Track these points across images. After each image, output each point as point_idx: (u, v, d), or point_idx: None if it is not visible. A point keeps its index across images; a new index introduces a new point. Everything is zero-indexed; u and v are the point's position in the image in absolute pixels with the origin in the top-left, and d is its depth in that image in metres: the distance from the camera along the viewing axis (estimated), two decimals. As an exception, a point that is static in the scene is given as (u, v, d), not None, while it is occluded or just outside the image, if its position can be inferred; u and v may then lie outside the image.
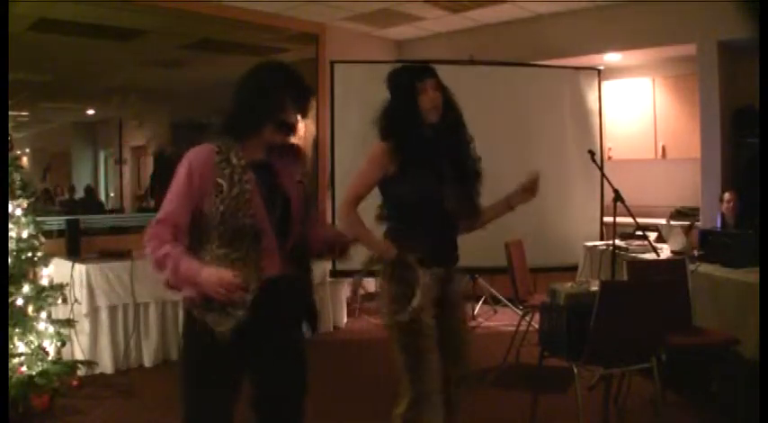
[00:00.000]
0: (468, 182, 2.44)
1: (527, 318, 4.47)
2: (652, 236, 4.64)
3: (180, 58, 5.80)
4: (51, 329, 3.71)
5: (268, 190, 1.97)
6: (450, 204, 2.40)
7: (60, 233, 4.70)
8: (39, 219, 3.87)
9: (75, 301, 4.20)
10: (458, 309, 2.53)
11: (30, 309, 3.61)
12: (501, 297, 6.10)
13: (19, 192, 3.72)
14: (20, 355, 3.53)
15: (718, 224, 4.98)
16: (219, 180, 1.90)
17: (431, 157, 2.36)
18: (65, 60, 5.10)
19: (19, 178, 3.74)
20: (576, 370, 3.04)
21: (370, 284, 6.21)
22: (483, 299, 6.23)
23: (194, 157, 1.93)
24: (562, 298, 3.14)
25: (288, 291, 2.03)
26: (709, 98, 5.49)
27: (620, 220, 4.11)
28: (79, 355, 4.17)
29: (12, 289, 3.52)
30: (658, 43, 5.77)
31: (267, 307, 1.95)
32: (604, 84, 6.20)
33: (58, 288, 3.80)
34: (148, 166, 5.74)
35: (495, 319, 5.98)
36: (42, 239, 3.86)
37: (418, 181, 2.34)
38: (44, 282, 3.81)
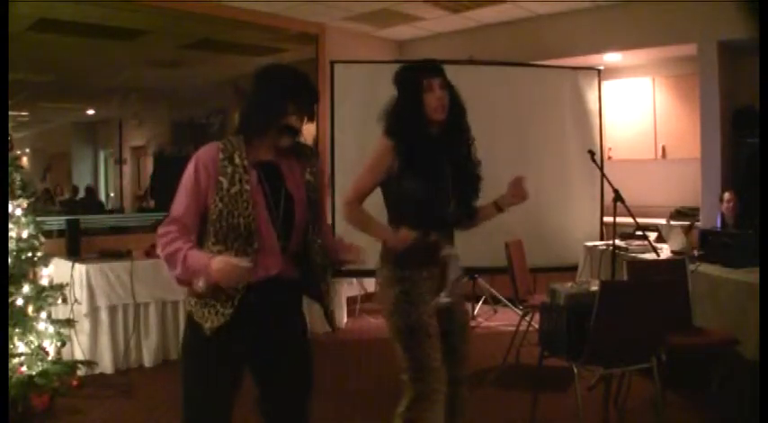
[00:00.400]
0: (467, 183, 2.45)
1: (527, 318, 4.47)
2: (652, 236, 4.65)
3: (180, 58, 5.80)
4: (51, 329, 3.71)
5: (271, 190, 1.99)
6: (452, 204, 2.40)
7: (60, 233, 4.70)
8: (39, 219, 3.87)
9: (75, 301, 4.20)
10: (458, 308, 2.52)
11: (30, 309, 3.61)
12: (501, 297, 6.10)
13: (19, 192, 3.72)
14: (20, 355, 3.53)
15: (718, 224, 4.98)
16: (221, 178, 1.93)
17: (434, 156, 2.36)
18: (65, 60, 5.10)
19: (19, 178, 3.74)
20: (576, 370, 3.04)
21: (371, 284, 6.22)
22: (483, 299, 6.24)
23: (201, 156, 1.96)
24: (562, 298, 3.15)
25: (287, 290, 2.03)
26: (709, 98, 5.48)
27: (620, 220, 4.11)
28: (79, 355, 4.17)
29: (12, 289, 3.52)
30: (658, 43, 5.77)
31: (263, 305, 1.96)
32: (604, 84, 6.20)
33: (57, 288, 3.80)
34: (148, 166, 5.73)
35: (495, 319, 5.98)
36: (42, 239, 3.85)
37: (422, 179, 2.33)
38: (44, 282, 3.80)
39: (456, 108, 2.40)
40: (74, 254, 4.57)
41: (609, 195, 4.18)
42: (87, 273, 4.27)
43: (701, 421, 3.49)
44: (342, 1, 5.83)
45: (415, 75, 2.37)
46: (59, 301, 3.81)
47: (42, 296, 3.67)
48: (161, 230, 1.94)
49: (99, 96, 5.40)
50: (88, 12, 5.03)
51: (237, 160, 1.95)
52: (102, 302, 4.31)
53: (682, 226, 4.84)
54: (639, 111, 6.47)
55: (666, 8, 5.54)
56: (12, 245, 3.60)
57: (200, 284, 1.85)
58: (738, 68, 5.59)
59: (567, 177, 5.75)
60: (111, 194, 5.68)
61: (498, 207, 2.52)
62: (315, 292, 2.11)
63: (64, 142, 5.51)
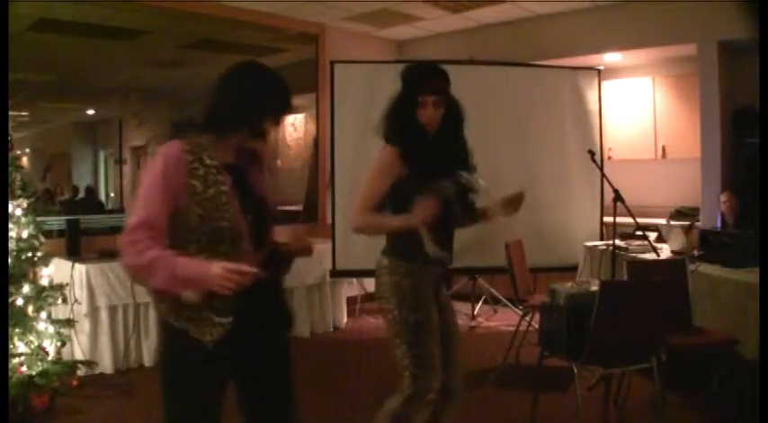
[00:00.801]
0: (466, 187, 2.46)
1: (527, 318, 4.47)
2: (652, 236, 4.65)
3: (180, 58, 5.80)
4: (51, 329, 3.71)
5: (242, 193, 1.91)
6: (456, 207, 2.41)
7: (60, 233, 4.70)
8: (39, 219, 3.88)
9: (75, 301, 4.20)
10: (449, 309, 2.54)
11: (30, 309, 3.61)
12: (501, 297, 6.10)
13: (19, 192, 3.72)
14: (20, 355, 3.53)
15: (718, 224, 4.99)
16: (193, 181, 1.81)
17: (438, 160, 2.37)
18: (65, 60, 5.10)
19: (19, 178, 3.74)
20: (576, 370, 3.04)
21: (370, 284, 6.21)
22: (483, 299, 6.24)
23: (168, 155, 1.83)
24: (562, 298, 3.15)
25: (268, 291, 1.99)
26: (709, 98, 5.48)
27: (620, 220, 4.11)
28: (79, 355, 4.18)
29: (12, 289, 3.52)
30: (658, 43, 5.77)
31: (249, 311, 1.89)
32: (604, 84, 6.19)
33: (57, 288, 3.80)
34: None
35: (495, 319, 5.98)
36: (42, 239, 3.85)
37: (429, 183, 2.33)
38: (44, 282, 3.80)
39: (452, 117, 2.40)
40: (74, 254, 4.57)
41: (609, 195, 4.18)
42: (87, 273, 4.27)
43: (700, 421, 3.50)
44: (342, 1, 5.83)
45: (413, 90, 2.35)
46: (59, 301, 3.81)
47: (42, 296, 3.67)
48: (129, 237, 1.74)
49: (99, 96, 5.40)
50: (88, 12, 5.03)
51: (207, 161, 1.84)
52: (102, 302, 4.32)
53: (682, 226, 4.84)
54: (639, 111, 6.47)
55: (666, 8, 5.54)
56: (12, 245, 3.60)
57: (189, 294, 1.74)
58: (738, 68, 5.59)
59: (567, 177, 5.74)
60: (112, 194, 5.69)
61: (487, 216, 2.54)
62: (278, 289, 2.08)
63: (64, 142, 5.51)
